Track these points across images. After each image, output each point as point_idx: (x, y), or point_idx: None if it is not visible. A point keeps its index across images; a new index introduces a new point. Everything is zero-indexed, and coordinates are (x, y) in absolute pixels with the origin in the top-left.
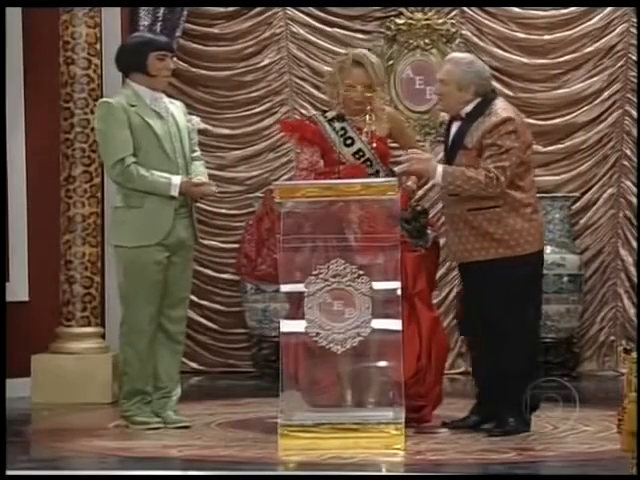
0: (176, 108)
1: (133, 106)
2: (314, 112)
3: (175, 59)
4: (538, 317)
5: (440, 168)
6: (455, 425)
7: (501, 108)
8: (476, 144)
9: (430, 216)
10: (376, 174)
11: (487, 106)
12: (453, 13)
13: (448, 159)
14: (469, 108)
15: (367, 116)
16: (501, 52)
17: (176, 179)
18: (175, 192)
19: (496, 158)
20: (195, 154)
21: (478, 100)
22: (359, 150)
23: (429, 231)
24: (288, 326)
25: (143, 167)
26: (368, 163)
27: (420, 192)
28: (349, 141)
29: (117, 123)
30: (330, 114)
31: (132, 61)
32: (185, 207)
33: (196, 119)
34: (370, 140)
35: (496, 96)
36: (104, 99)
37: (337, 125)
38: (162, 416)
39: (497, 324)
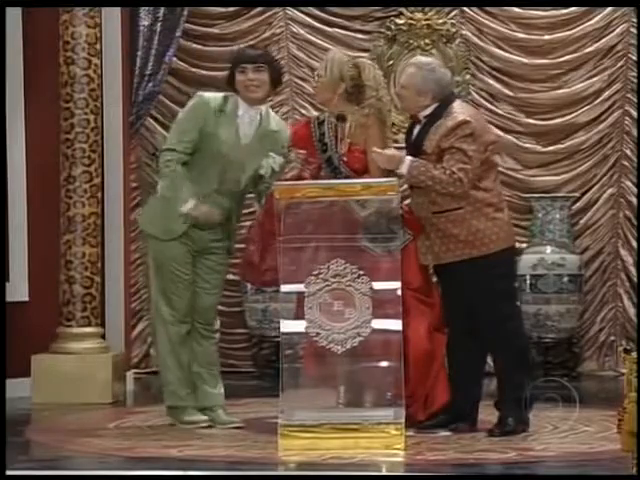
0: (268, 134)
1: (222, 111)
2: (315, 113)
3: (175, 59)
4: (516, 315)
5: (408, 160)
6: (426, 425)
7: (458, 111)
8: (434, 148)
9: None
10: None
11: (445, 109)
12: (453, 13)
13: None
14: (428, 111)
15: (347, 125)
16: (501, 52)
17: (191, 202)
18: (184, 208)
19: (457, 159)
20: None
21: (437, 104)
22: (329, 158)
23: (404, 235)
24: (288, 326)
25: (182, 172)
26: (337, 171)
27: None
28: (324, 147)
29: (191, 115)
30: (322, 116)
31: (227, 82)
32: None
33: (278, 159)
34: (346, 151)
35: (454, 99)
36: (201, 92)
37: (322, 129)
38: (212, 415)
39: (473, 325)
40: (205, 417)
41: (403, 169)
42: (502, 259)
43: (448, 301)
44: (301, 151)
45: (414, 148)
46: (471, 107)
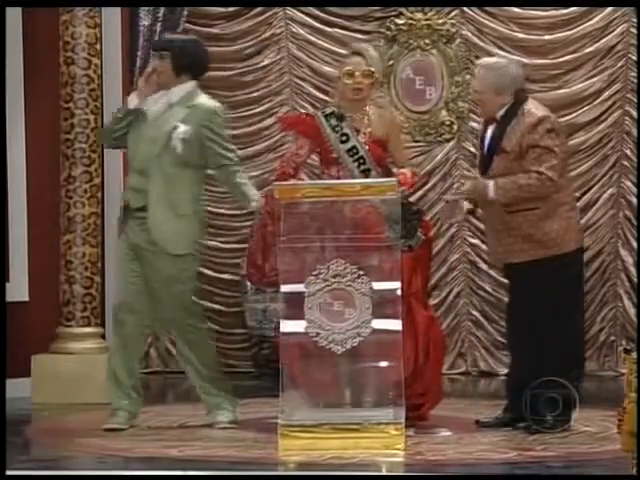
0: (181, 110)
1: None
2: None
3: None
4: (582, 318)
5: (491, 183)
6: (489, 424)
7: (534, 107)
8: (515, 147)
9: (427, 218)
10: (367, 172)
11: (519, 107)
12: (453, 13)
13: (484, 164)
14: (503, 111)
15: (366, 117)
16: (501, 52)
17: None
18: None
19: (544, 158)
20: (220, 161)
21: (511, 102)
22: (353, 147)
23: (419, 233)
24: (288, 326)
25: None
26: (361, 161)
27: (420, 192)
28: (344, 138)
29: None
30: (328, 110)
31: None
32: (142, 210)
33: (183, 128)
34: (367, 141)
35: (527, 97)
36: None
37: (333, 121)
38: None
39: (541, 325)
40: (119, 426)
41: (490, 193)
42: (573, 260)
43: (519, 301)
44: (289, 131)
45: (491, 149)
46: (543, 105)
